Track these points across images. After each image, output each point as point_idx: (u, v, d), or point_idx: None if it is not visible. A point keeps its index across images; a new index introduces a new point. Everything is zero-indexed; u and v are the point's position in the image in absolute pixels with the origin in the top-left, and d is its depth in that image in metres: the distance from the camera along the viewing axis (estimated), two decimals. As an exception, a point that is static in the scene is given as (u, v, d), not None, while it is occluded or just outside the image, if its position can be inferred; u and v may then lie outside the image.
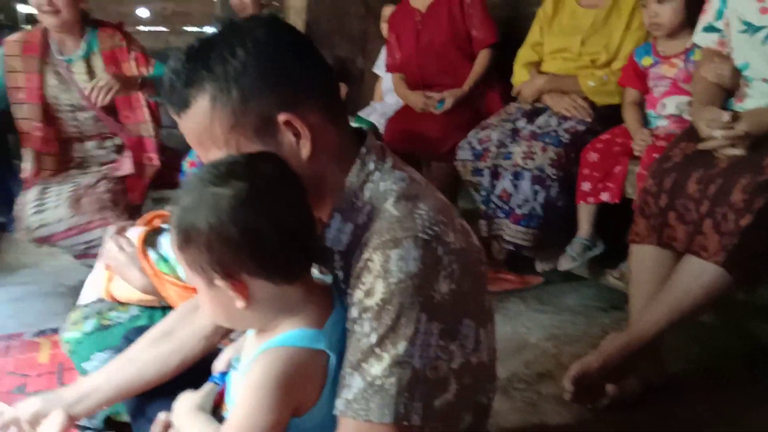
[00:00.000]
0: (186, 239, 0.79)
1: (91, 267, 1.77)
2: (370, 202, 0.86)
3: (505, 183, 2.28)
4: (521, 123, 2.38)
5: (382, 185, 0.87)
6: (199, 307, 1.03)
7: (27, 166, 2.42)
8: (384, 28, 3.25)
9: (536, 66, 2.55)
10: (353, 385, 0.80)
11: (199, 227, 0.77)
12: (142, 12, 4.08)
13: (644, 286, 1.63)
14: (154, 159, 2.40)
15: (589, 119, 2.32)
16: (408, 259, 0.78)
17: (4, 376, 1.79)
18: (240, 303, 0.80)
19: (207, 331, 1.09)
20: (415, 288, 0.78)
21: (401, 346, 0.78)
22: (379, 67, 3.37)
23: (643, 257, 1.65)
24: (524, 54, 2.58)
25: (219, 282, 0.79)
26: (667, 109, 2.14)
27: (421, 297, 0.78)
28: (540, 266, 2.39)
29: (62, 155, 2.44)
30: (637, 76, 2.23)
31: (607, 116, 2.37)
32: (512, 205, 2.25)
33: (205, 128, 0.83)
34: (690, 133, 1.67)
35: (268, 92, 0.82)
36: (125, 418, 1.36)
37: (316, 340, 0.82)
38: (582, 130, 2.29)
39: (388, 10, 3.21)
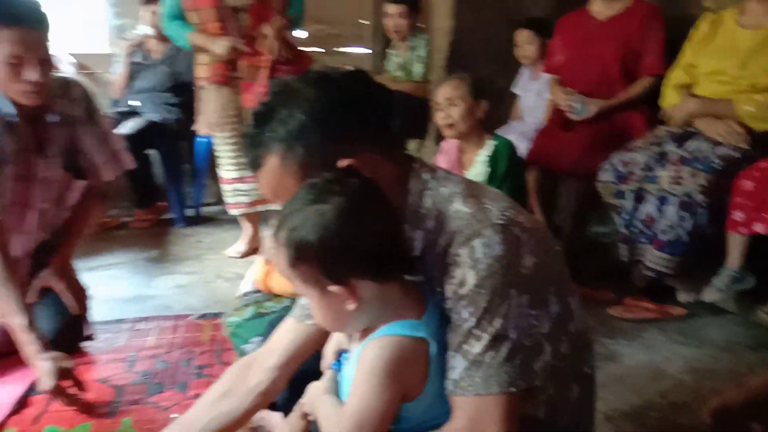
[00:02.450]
0: (298, 255, 0.88)
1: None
2: (435, 207, 0.95)
3: (649, 207, 2.23)
4: (670, 146, 2.31)
5: (443, 190, 0.97)
6: (252, 364, 1.16)
7: None
8: (519, 51, 3.28)
9: (688, 88, 2.46)
10: (457, 365, 0.89)
11: (310, 241, 0.86)
12: (300, 33, 4.40)
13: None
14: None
15: (745, 146, 2.21)
16: (492, 244, 0.88)
17: (174, 349, 2.05)
18: (351, 305, 0.90)
19: (262, 388, 1.15)
20: (503, 268, 0.87)
21: (497, 323, 0.87)
22: (518, 87, 3.40)
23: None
24: (676, 75, 2.51)
25: (333, 288, 0.89)
26: None
27: (510, 275, 0.87)
28: (683, 296, 2.30)
29: None
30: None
31: (766, 143, 2.24)
32: (656, 231, 2.20)
33: (279, 182, 0.95)
34: None
35: (327, 144, 0.93)
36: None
37: (416, 329, 0.91)
38: (736, 157, 2.19)
39: (521, 35, 3.24)
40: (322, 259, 0.87)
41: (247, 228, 3.07)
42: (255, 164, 0.97)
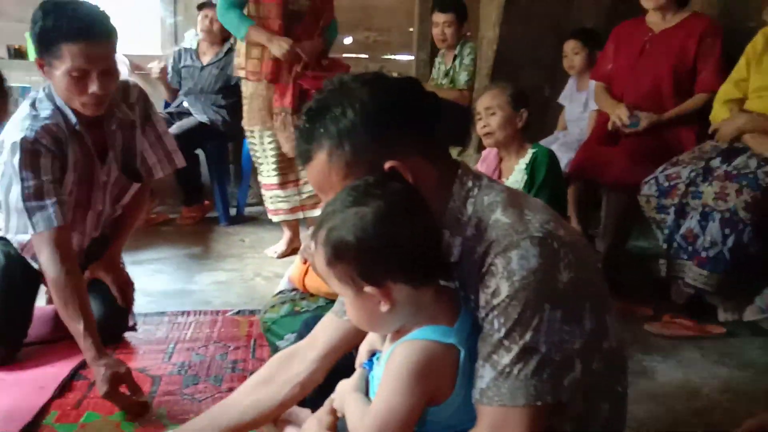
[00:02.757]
0: (336, 254, 0.90)
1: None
2: (476, 215, 0.96)
3: (691, 223, 2.18)
4: (716, 162, 2.26)
5: (485, 199, 0.97)
6: (294, 356, 1.20)
7: None
8: (566, 61, 3.25)
9: (738, 103, 2.40)
10: (485, 375, 0.89)
11: (348, 241, 0.88)
12: (347, 39, 4.47)
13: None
14: None
15: None
16: (528, 257, 0.87)
17: (211, 343, 2.11)
18: (385, 306, 0.91)
19: (301, 378, 1.18)
20: (538, 282, 0.87)
21: (528, 335, 0.86)
22: (564, 98, 3.38)
23: None
24: (726, 90, 2.45)
25: (368, 289, 0.91)
26: None
27: (544, 289, 0.87)
28: (723, 315, 2.24)
29: None
30: None
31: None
32: (697, 247, 2.15)
33: (325, 177, 0.97)
34: None
35: (374, 145, 0.94)
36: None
37: (447, 335, 0.92)
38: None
39: (569, 45, 3.22)
40: (358, 260, 0.89)
41: (287, 231, 3.13)
42: (304, 158, 1.00)
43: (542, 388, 0.86)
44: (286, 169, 2.97)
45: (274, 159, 2.95)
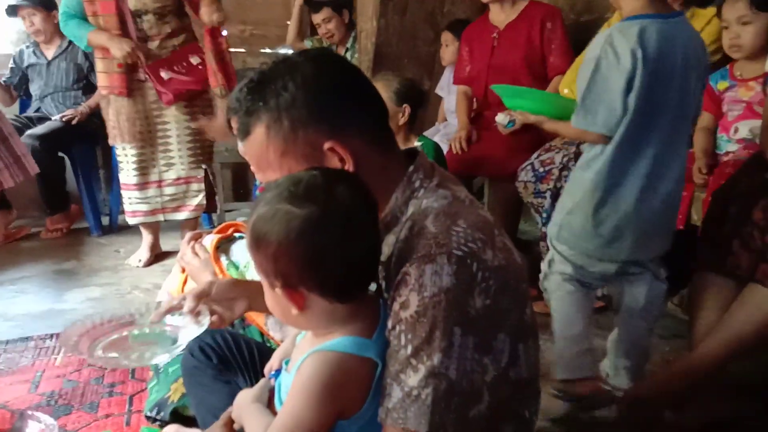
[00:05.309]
0: (257, 244, 0.85)
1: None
2: (412, 218, 0.91)
3: (566, 205, 2.27)
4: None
5: (424, 202, 0.92)
6: None
7: None
8: (444, 51, 3.30)
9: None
10: (393, 394, 0.84)
11: (269, 239, 0.83)
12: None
13: (706, 313, 1.60)
14: None
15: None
16: (441, 274, 0.82)
17: (84, 367, 1.93)
18: (294, 311, 0.86)
19: None
20: (449, 302, 0.81)
21: (436, 358, 0.81)
22: (441, 89, 3.42)
23: (706, 285, 1.62)
24: (568, 79, 2.57)
25: (278, 290, 0.86)
26: (740, 133, 2.10)
27: (455, 311, 0.82)
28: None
29: None
30: (711, 101, 2.19)
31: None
32: (573, 228, 2.24)
33: (262, 154, 0.92)
34: (758, 160, 1.64)
35: (315, 123, 0.89)
36: (192, 412, 1.45)
37: (364, 348, 0.87)
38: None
39: (447, 36, 3.26)
40: (275, 260, 0.83)
41: (147, 235, 2.97)
42: (243, 132, 0.94)
43: (447, 418, 0.83)
44: (147, 169, 2.82)
45: (134, 159, 2.80)
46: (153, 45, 2.71)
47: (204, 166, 2.88)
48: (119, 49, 2.60)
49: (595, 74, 1.56)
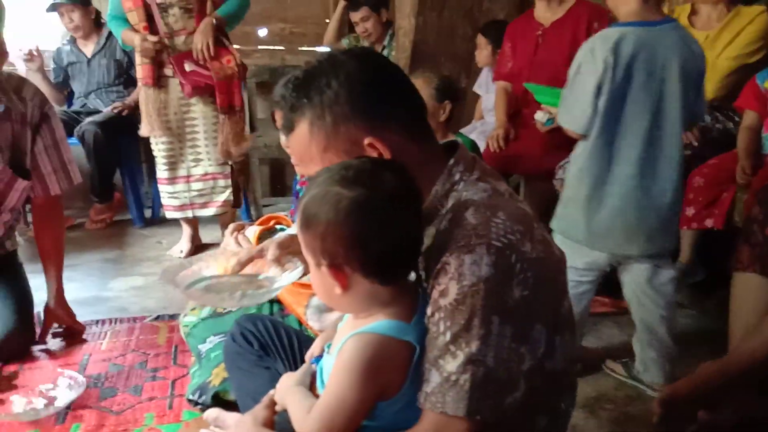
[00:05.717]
0: (306, 224, 0.89)
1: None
2: (452, 210, 0.93)
3: (603, 204, 2.26)
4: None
5: (464, 194, 0.94)
6: None
7: None
8: (479, 54, 3.28)
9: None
10: (431, 379, 0.87)
11: (318, 218, 0.87)
12: (262, 31, 4.37)
13: (745, 315, 1.58)
14: None
15: (695, 143, 2.27)
16: (480, 264, 0.84)
17: (128, 352, 2.01)
18: (338, 290, 0.90)
19: None
20: (487, 291, 0.84)
21: (474, 345, 0.84)
22: (479, 87, 3.43)
23: (745, 286, 1.60)
24: None
25: (324, 269, 0.89)
26: (784, 133, 2.07)
27: (493, 300, 0.84)
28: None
29: None
30: (756, 99, 2.16)
31: (719, 141, 2.30)
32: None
33: (305, 148, 0.96)
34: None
35: (356, 119, 0.93)
36: (232, 396, 1.50)
37: (404, 331, 0.90)
38: (689, 155, 2.24)
39: (480, 39, 3.25)
40: (323, 238, 0.87)
41: (186, 228, 3.04)
42: (286, 127, 0.98)
43: (484, 404, 0.85)
44: (176, 164, 2.89)
45: (164, 153, 2.88)
46: (179, 40, 2.75)
47: (230, 162, 2.92)
48: (139, 44, 2.69)
49: (576, 76, 1.71)
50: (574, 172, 1.77)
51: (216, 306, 1.72)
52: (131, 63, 3.39)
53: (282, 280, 1.16)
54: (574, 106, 1.71)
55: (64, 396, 1.66)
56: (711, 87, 2.33)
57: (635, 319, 1.83)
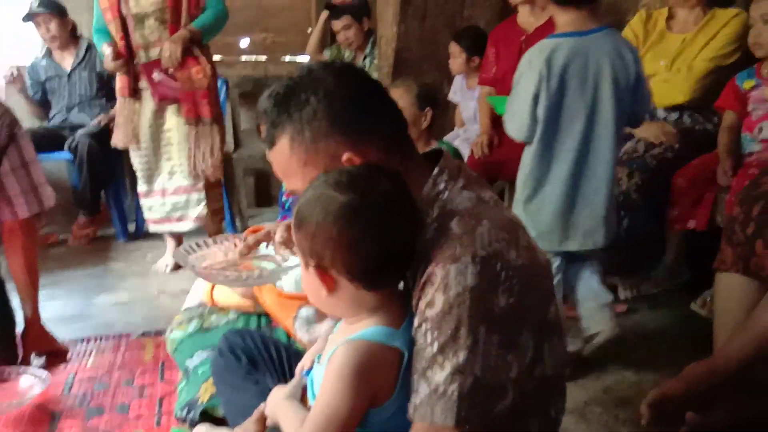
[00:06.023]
0: (299, 224, 0.91)
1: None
2: (437, 220, 0.94)
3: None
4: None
5: (449, 205, 0.94)
6: None
7: None
8: (452, 63, 3.24)
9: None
10: (420, 390, 0.87)
11: (309, 219, 0.88)
12: (244, 41, 4.36)
13: (729, 314, 1.60)
14: None
15: (677, 145, 2.29)
16: (466, 273, 0.84)
17: (114, 370, 1.98)
18: (324, 292, 0.91)
19: None
20: (473, 301, 0.84)
21: (462, 355, 0.84)
22: (454, 94, 3.39)
23: (728, 286, 1.62)
24: None
25: (311, 270, 0.90)
26: (764, 133, 2.10)
27: (479, 309, 0.84)
28: (623, 293, 2.36)
29: None
30: (736, 100, 2.19)
31: (700, 142, 2.33)
32: (595, 231, 2.25)
33: (286, 163, 0.97)
34: (782, 160, 1.63)
35: (334, 134, 0.93)
36: (221, 412, 1.48)
37: (392, 337, 0.90)
38: (670, 157, 2.27)
39: (453, 47, 3.21)
40: (312, 240, 0.88)
41: (170, 242, 3.00)
42: (269, 142, 0.99)
43: (473, 413, 0.85)
44: (152, 178, 2.87)
45: (141, 166, 2.87)
46: (155, 51, 2.70)
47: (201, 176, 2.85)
48: (106, 57, 2.70)
49: (516, 86, 1.82)
50: (521, 176, 1.88)
51: (232, 285, 1.68)
52: (112, 75, 3.35)
53: (293, 260, 1.20)
54: (515, 114, 1.82)
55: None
56: (688, 89, 2.36)
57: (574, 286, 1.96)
